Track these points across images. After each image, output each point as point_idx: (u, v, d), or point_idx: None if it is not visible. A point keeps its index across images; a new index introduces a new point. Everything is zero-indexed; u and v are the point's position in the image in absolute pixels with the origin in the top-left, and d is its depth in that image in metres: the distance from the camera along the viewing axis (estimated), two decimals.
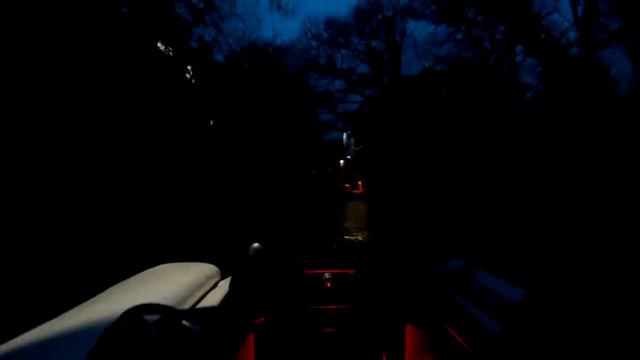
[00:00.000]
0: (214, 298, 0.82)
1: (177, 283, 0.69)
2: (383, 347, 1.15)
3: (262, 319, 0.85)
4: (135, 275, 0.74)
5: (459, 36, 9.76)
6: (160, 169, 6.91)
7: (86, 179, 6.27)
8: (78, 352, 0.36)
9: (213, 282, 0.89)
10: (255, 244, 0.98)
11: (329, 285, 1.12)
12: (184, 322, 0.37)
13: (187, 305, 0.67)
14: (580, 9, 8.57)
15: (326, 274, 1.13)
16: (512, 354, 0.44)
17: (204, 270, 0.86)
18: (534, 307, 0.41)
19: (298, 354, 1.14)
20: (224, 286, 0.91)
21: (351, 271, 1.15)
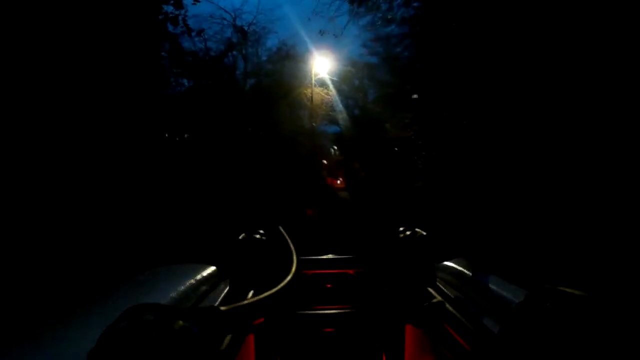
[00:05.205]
0: (214, 298, 0.83)
1: (177, 283, 0.69)
2: (383, 348, 1.15)
3: (262, 319, 0.85)
4: (136, 276, 0.74)
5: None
6: (160, 167, 6.92)
7: (85, 178, 6.26)
8: (78, 352, 0.36)
9: (213, 282, 0.89)
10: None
11: (329, 285, 1.12)
12: (184, 322, 0.37)
13: (187, 305, 0.67)
14: None
15: (326, 274, 1.13)
16: (513, 354, 0.44)
17: (204, 270, 0.87)
18: (535, 307, 0.40)
19: (298, 354, 1.15)
20: (224, 286, 0.91)
21: (351, 271, 1.16)
